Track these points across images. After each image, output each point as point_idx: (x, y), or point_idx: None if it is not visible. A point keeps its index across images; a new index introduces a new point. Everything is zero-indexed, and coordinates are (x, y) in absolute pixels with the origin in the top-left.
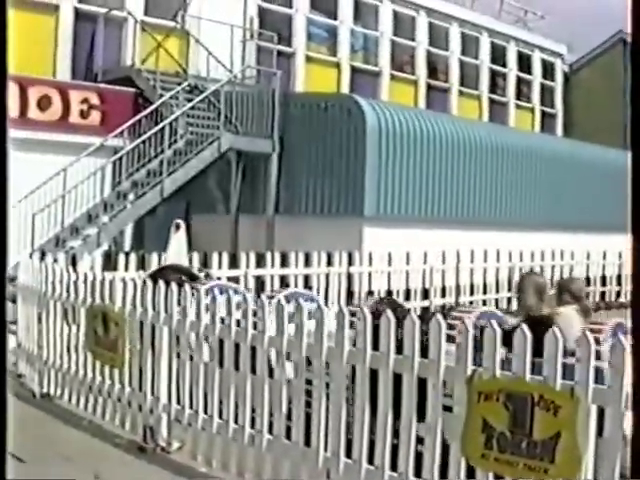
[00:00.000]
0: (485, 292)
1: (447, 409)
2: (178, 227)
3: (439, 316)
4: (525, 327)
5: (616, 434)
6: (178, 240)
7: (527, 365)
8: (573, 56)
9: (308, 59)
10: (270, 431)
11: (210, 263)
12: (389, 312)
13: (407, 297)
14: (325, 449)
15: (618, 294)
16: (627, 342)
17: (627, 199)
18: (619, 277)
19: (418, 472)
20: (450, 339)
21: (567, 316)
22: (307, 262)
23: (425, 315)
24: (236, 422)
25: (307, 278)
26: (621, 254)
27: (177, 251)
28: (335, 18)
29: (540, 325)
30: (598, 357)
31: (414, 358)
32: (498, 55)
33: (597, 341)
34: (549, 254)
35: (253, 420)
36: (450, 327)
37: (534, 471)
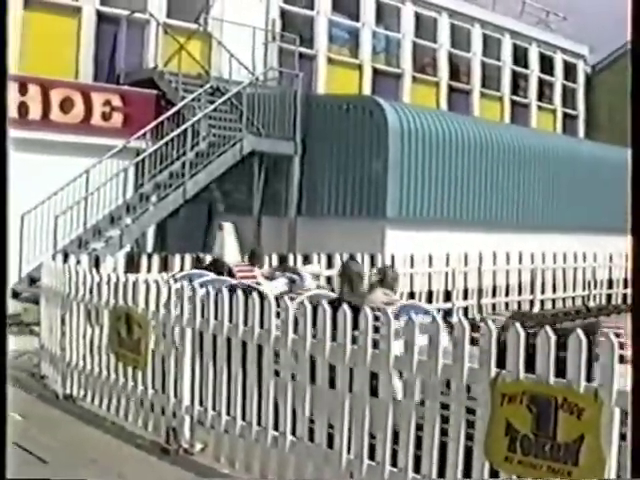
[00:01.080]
0: (507, 294)
1: (470, 412)
2: (221, 227)
3: (462, 318)
4: (549, 330)
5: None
6: (222, 238)
7: (551, 367)
8: (595, 57)
9: (330, 61)
10: (293, 433)
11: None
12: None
13: (429, 299)
14: (348, 451)
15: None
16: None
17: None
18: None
19: (441, 473)
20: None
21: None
22: (329, 264)
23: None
24: (259, 424)
25: (329, 279)
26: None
27: (220, 246)
28: (357, 20)
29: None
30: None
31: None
32: (520, 56)
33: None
34: (571, 256)
35: (276, 422)
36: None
37: (558, 474)
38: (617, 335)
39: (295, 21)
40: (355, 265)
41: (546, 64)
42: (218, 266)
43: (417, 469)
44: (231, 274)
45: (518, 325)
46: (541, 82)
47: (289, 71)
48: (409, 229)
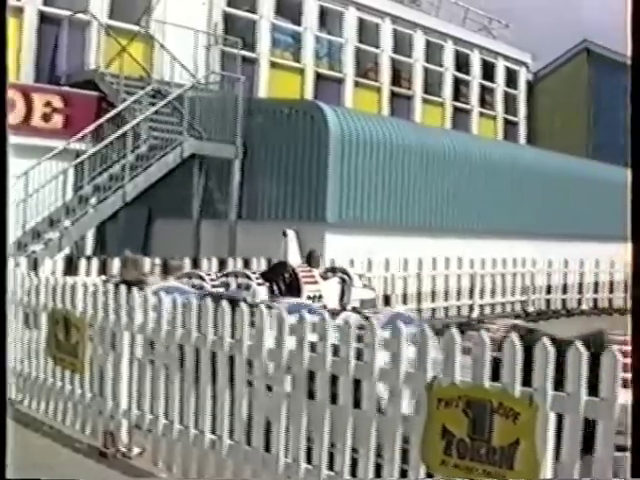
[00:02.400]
0: (447, 299)
1: None
2: (285, 234)
3: (426, 327)
4: (484, 334)
5: (574, 441)
6: (286, 243)
7: (487, 372)
8: (537, 64)
9: (272, 65)
10: (231, 437)
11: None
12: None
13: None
14: (286, 455)
15: (579, 302)
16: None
17: (591, 207)
18: (580, 285)
19: (378, 477)
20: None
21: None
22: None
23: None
24: (197, 428)
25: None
26: (583, 262)
27: (285, 251)
28: (300, 24)
29: None
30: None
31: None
32: (462, 62)
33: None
34: (510, 261)
35: (214, 426)
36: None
37: (493, 477)
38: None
39: (238, 24)
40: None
41: (488, 70)
42: (283, 268)
43: (353, 472)
44: (295, 274)
45: (454, 330)
46: (483, 88)
47: (231, 75)
48: (349, 234)
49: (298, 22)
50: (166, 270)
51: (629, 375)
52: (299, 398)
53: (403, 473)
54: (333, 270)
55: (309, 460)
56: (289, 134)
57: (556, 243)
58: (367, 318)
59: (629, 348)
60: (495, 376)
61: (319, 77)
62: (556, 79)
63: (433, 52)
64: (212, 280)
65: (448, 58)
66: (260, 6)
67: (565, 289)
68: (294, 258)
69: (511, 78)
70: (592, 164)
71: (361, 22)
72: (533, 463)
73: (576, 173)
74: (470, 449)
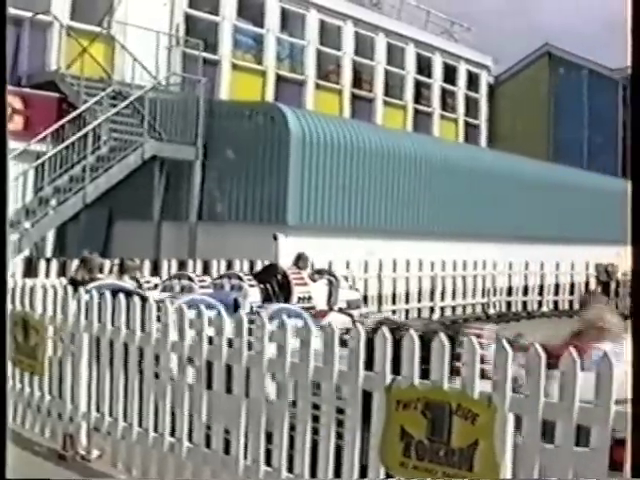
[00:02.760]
0: (407, 301)
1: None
2: (275, 237)
3: (309, 320)
4: (443, 336)
5: (534, 441)
6: (277, 246)
7: (445, 373)
8: (499, 68)
9: (234, 67)
10: (190, 439)
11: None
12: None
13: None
14: (245, 457)
15: (540, 304)
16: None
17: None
18: (541, 287)
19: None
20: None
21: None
22: (229, 269)
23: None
24: (156, 430)
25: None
26: (543, 264)
27: (276, 253)
28: (262, 26)
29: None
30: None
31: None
32: (424, 65)
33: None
34: (471, 263)
35: (173, 428)
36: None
37: (452, 479)
38: (478, 336)
39: (199, 26)
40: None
41: (450, 74)
42: (275, 270)
43: (313, 473)
44: (286, 276)
45: (413, 332)
46: (444, 91)
47: (192, 76)
48: (310, 236)
49: (260, 24)
50: (122, 270)
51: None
52: (258, 399)
53: (363, 473)
54: (320, 272)
55: (269, 462)
56: (250, 136)
57: (517, 245)
58: (352, 316)
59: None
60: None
61: (280, 79)
62: (517, 82)
63: (395, 55)
64: (201, 281)
65: (410, 61)
66: (222, 8)
67: (526, 291)
68: (284, 260)
69: (472, 81)
70: (553, 167)
71: (323, 24)
72: (492, 464)
73: (536, 176)
74: (429, 451)
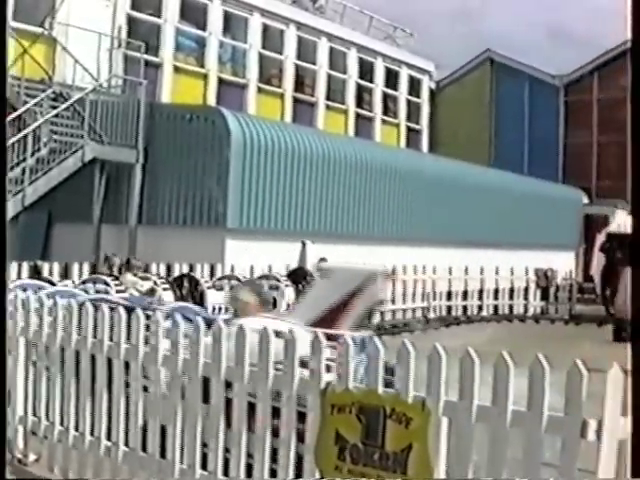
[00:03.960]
0: None
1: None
2: (304, 244)
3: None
4: (376, 339)
5: (467, 446)
6: (304, 252)
7: (380, 378)
8: (440, 73)
9: (176, 69)
10: (126, 443)
11: (70, 273)
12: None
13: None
14: (181, 461)
15: (480, 308)
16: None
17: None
18: (481, 292)
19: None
20: None
21: None
22: (169, 273)
23: None
24: (92, 434)
25: None
26: (483, 269)
27: (302, 258)
28: (204, 29)
29: None
30: None
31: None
32: (366, 70)
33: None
34: (411, 268)
35: (109, 432)
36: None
37: None
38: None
39: (142, 28)
40: None
41: (391, 78)
42: (303, 272)
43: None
44: (313, 278)
45: (347, 336)
46: (386, 96)
47: (133, 79)
48: (250, 240)
49: (202, 27)
50: (128, 268)
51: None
52: (194, 403)
53: (298, 475)
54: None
55: (205, 466)
56: (191, 139)
57: (457, 250)
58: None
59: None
60: None
61: (222, 82)
62: (459, 88)
63: (337, 59)
64: (117, 285)
65: (352, 65)
66: (164, 10)
67: (466, 295)
68: (311, 265)
69: (414, 86)
70: (493, 172)
71: (265, 28)
72: (426, 467)
73: (477, 181)
74: (363, 454)
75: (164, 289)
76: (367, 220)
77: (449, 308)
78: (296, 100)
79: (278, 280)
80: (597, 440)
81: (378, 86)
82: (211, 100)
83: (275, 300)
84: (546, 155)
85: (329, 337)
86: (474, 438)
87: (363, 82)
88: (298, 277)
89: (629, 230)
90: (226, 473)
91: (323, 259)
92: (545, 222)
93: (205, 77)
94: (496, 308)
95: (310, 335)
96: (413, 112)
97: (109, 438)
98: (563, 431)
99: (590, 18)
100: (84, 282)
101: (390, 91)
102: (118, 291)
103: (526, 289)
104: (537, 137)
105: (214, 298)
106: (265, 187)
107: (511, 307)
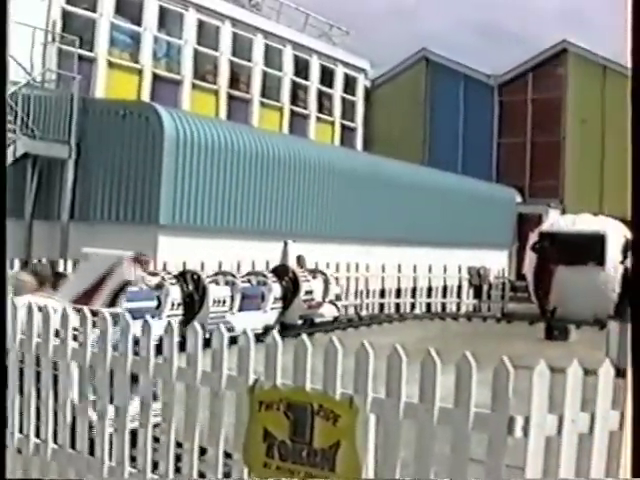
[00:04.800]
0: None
1: None
2: (286, 244)
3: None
4: (305, 337)
5: (395, 443)
6: (286, 250)
7: (307, 374)
8: (376, 72)
9: (110, 64)
10: (55, 440)
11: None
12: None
13: None
14: (110, 458)
15: (413, 306)
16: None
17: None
18: (414, 289)
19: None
20: None
21: None
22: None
23: None
24: (21, 432)
25: None
26: (416, 267)
27: (284, 256)
28: (139, 24)
29: None
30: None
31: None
32: (301, 68)
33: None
34: (344, 266)
35: (38, 430)
36: None
37: (315, 479)
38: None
39: (76, 23)
40: None
41: (327, 76)
42: (286, 270)
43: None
44: (295, 274)
45: (276, 334)
46: (321, 93)
47: (67, 73)
48: (183, 236)
49: (138, 22)
50: None
51: None
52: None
53: (227, 474)
54: (313, 272)
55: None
56: (124, 135)
57: (389, 248)
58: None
59: None
60: None
61: (157, 78)
62: (394, 86)
63: (272, 56)
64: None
65: (287, 63)
66: (100, 5)
67: (399, 293)
68: (292, 262)
69: (349, 84)
70: (428, 171)
71: (201, 24)
72: (354, 464)
73: (409, 179)
74: (292, 451)
75: (171, 284)
76: (301, 218)
77: (382, 306)
78: (231, 97)
79: (265, 276)
80: (524, 437)
81: (313, 84)
82: (145, 96)
83: (264, 295)
84: (480, 154)
85: (93, 312)
86: (401, 435)
87: (298, 79)
88: (281, 273)
89: (562, 228)
90: (154, 470)
91: (300, 257)
92: (478, 221)
93: (140, 73)
94: (429, 306)
95: (66, 309)
96: (348, 110)
97: (38, 435)
98: (490, 428)
99: (526, 18)
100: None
101: (325, 89)
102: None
103: (459, 287)
104: (471, 136)
105: (216, 293)
106: (198, 184)
107: (444, 305)
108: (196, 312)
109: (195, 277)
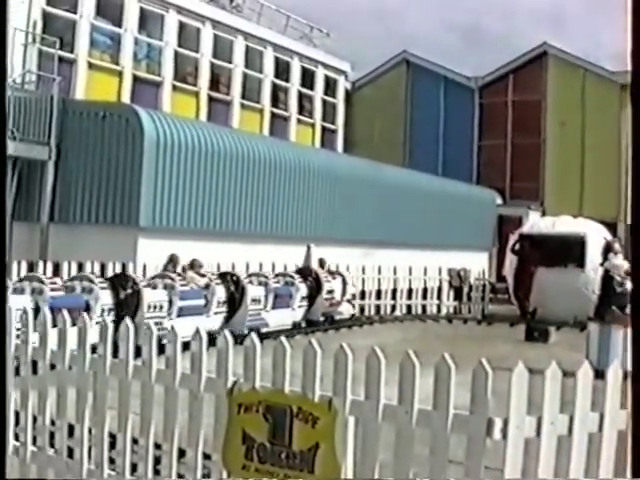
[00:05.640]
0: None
1: None
2: (309, 247)
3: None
4: (284, 340)
5: (373, 445)
6: (309, 253)
7: (287, 377)
8: (356, 74)
9: (90, 66)
10: (34, 443)
11: None
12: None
13: None
14: (89, 461)
15: (393, 308)
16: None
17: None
18: (394, 291)
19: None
20: None
21: None
22: (80, 271)
23: None
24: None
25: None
26: (396, 269)
27: (307, 258)
28: (120, 26)
29: None
30: None
31: (150, 366)
32: (282, 69)
33: None
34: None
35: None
36: None
37: None
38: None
39: (57, 24)
40: None
41: (308, 78)
42: (309, 271)
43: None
44: (317, 275)
45: (254, 336)
46: (301, 95)
47: (47, 75)
48: (163, 238)
49: (118, 23)
50: (191, 266)
51: None
52: (102, 403)
53: (206, 476)
54: (332, 273)
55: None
56: (104, 137)
57: (370, 250)
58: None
59: None
60: None
61: (137, 80)
62: (375, 89)
63: (253, 58)
64: (52, 284)
65: (268, 64)
66: (80, 6)
67: (379, 295)
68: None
69: (330, 86)
70: (408, 173)
71: (181, 26)
72: (333, 466)
73: (392, 182)
74: (271, 454)
75: (217, 284)
76: (282, 219)
77: (362, 308)
78: (211, 99)
79: (292, 277)
80: (503, 438)
81: (294, 85)
82: (125, 98)
83: (291, 294)
84: (461, 156)
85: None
86: (381, 437)
87: (279, 81)
88: (305, 274)
89: (542, 230)
90: (133, 473)
91: (322, 259)
92: (459, 222)
93: (120, 74)
94: (409, 308)
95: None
96: (329, 112)
97: (17, 438)
98: (469, 430)
99: (507, 21)
100: (20, 280)
101: (306, 91)
102: (52, 289)
103: (439, 289)
104: (452, 138)
105: (253, 292)
106: (179, 186)
107: (424, 307)
108: (236, 310)
109: (235, 278)
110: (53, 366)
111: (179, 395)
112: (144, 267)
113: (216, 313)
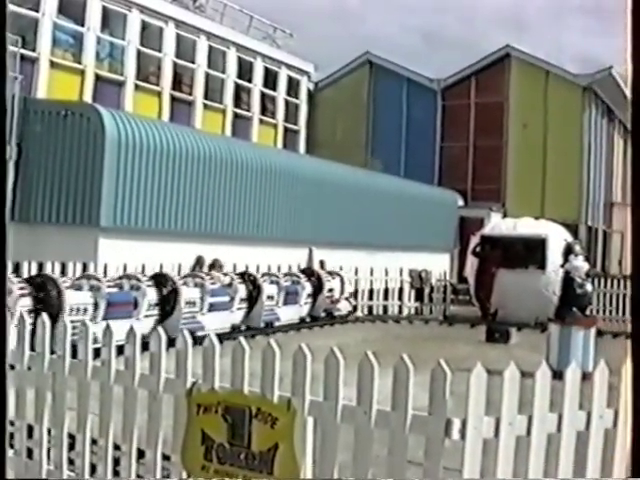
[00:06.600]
0: None
1: None
2: (311, 250)
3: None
4: (243, 340)
5: (332, 445)
6: (311, 255)
7: (246, 378)
8: (319, 75)
9: (52, 65)
10: None
11: None
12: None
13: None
14: (48, 461)
15: (354, 308)
16: None
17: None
18: (355, 292)
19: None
20: None
21: None
22: (40, 271)
23: None
24: None
25: None
26: (357, 270)
27: (310, 260)
28: (82, 24)
29: None
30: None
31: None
32: (245, 70)
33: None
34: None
35: None
36: None
37: None
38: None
39: (19, 22)
40: None
41: (270, 79)
42: (311, 271)
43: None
44: (319, 275)
45: (214, 336)
46: (264, 96)
47: (9, 73)
48: (124, 238)
49: (81, 22)
50: (213, 266)
51: None
52: (61, 403)
53: (165, 477)
54: (331, 273)
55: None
56: (65, 136)
57: (331, 251)
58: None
59: None
60: None
61: (99, 79)
62: (338, 89)
63: (216, 58)
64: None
65: (231, 65)
66: (42, 4)
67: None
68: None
69: (293, 87)
70: (370, 174)
71: (144, 25)
72: (292, 467)
73: (353, 183)
74: (230, 454)
75: (239, 283)
76: (243, 220)
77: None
78: (174, 98)
79: (298, 277)
80: (461, 439)
81: (257, 86)
82: (87, 97)
83: (298, 292)
84: (423, 157)
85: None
86: (340, 437)
87: (242, 82)
88: (308, 274)
89: (503, 232)
90: (92, 474)
91: (322, 261)
92: (420, 224)
93: (82, 73)
94: (370, 309)
95: None
96: (291, 113)
97: None
98: (427, 430)
99: (470, 23)
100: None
101: (269, 91)
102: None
103: (400, 290)
104: (414, 140)
105: (268, 290)
106: (140, 186)
107: (385, 308)
108: (253, 306)
109: (251, 277)
110: (12, 367)
111: (138, 396)
112: (105, 267)
113: (238, 309)
